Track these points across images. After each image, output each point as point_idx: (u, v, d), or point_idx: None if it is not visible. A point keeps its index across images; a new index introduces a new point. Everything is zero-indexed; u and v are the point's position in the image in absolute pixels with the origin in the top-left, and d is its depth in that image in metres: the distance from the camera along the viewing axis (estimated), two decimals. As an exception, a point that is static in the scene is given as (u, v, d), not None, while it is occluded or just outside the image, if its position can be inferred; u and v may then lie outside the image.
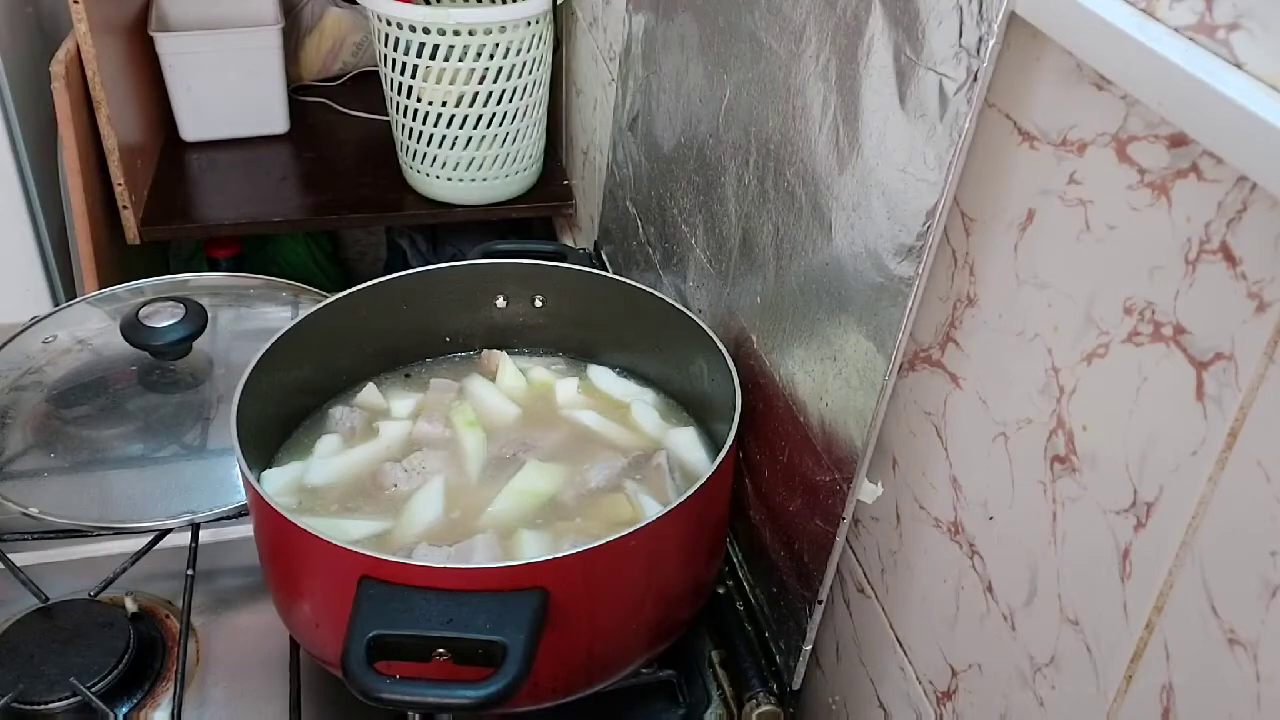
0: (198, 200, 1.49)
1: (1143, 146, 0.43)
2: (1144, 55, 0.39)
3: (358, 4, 1.48)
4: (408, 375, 0.88)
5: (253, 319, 1.03)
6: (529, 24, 1.31)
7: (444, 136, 1.37)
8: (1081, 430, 0.47)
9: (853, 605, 0.72)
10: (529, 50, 1.33)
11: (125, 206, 1.40)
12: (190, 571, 0.81)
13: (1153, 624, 0.44)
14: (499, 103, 1.35)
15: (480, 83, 1.32)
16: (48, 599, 0.78)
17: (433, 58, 1.30)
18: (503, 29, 1.29)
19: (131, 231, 1.42)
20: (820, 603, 0.69)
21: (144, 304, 0.91)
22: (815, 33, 0.65)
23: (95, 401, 0.93)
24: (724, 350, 0.76)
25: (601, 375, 0.88)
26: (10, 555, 0.82)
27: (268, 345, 0.77)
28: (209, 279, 1.10)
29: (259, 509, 0.68)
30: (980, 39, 0.49)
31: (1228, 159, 0.37)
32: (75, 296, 1.18)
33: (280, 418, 0.81)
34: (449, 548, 0.71)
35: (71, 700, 0.71)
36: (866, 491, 0.65)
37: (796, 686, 0.74)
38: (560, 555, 0.63)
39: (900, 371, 0.60)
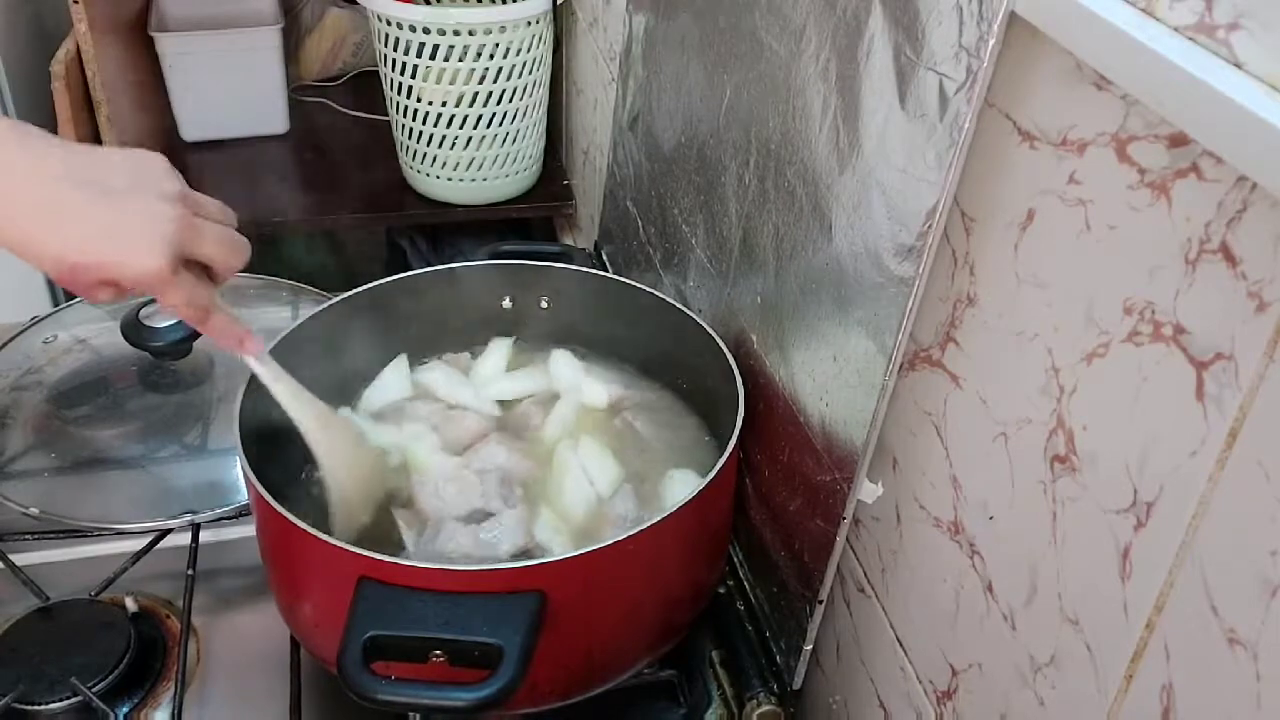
0: (198, 200, 1.49)
1: (1143, 146, 0.42)
2: (1144, 55, 0.39)
3: (358, 4, 1.47)
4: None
5: (253, 319, 1.02)
6: (529, 24, 1.31)
7: (444, 136, 1.37)
8: (1081, 430, 0.47)
9: (853, 605, 0.72)
10: (529, 50, 1.33)
11: (125, 207, 1.40)
12: (191, 571, 0.81)
13: (1153, 624, 0.44)
14: (499, 103, 1.34)
15: (480, 83, 1.32)
16: (48, 599, 0.78)
17: (433, 58, 1.30)
18: (503, 29, 1.29)
19: (132, 232, 1.42)
20: (821, 602, 0.69)
21: (144, 304, 0.91)
22: (815, 33, 0.65)
23: (95, 401, 0.93)
24: (727, 352, 0.76)
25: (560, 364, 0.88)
26: (10, 555, 0.82)
27: (271, 345, 0.77)
28: (209, 279, 1.09)
29: (261, 509, 0.68)
30: (980, 39, 0.49)
31: (1228, 159, 0.37)
32: (75, 296, 1.18)
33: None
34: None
35: (72, 700, 0.71)
36: (867, 491, 0.65)
37: (797, 686, 0.74)
38: (558, 558, 0.63)
39: (900, 371, 0.60)
